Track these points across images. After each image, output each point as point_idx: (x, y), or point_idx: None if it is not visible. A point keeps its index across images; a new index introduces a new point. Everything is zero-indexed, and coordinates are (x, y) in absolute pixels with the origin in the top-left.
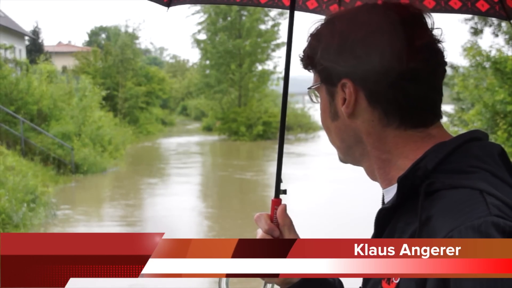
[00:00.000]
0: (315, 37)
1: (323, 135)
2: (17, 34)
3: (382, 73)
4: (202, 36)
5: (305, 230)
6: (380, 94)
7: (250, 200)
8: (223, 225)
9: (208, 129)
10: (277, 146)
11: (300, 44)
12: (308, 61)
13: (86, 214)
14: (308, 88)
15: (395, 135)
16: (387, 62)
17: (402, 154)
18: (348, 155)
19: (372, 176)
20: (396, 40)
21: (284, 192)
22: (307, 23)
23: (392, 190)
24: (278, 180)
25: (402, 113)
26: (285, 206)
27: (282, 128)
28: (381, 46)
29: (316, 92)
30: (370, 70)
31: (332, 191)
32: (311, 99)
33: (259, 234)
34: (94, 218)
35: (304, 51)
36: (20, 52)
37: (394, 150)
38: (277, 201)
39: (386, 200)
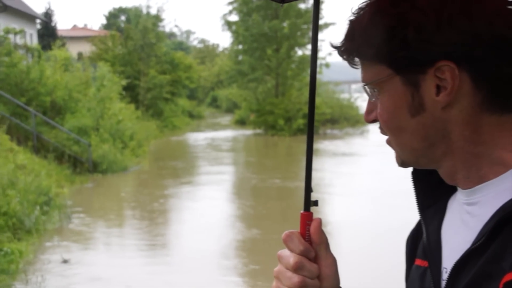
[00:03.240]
0: (382, 22)
1: (373, 129)
2: (28, 17)
3: (490, 47)
4: (234, 18)
5: (347, 251)
6: (488, 72)
7: (293, 206)
8: (263, 241)
9: (241, 123)
10: (320, 142)
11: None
12: (368, 51)
13: (105, 220)
14: (367, 83)
15: (490, 123)
16: (494, 32)
17: (497, 146)
18: (424, 156)
19: (451, 179)
20: (499, 3)
21: (315, 203)
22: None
23: (481, 190)
24: (308, 189)
25: (506, 94)
26: (320, 220)
27: (311, 128)
28: (486, 13)
29: (375, 88)
30: (476, 46)
31: (383, 200)
32: (369, 95)
33: (292, 258)
34: (114, 225)
35: (355, 41)
36: (31, 37)
37: (489, 141)
38: (308, 215)
39: (465, 200)
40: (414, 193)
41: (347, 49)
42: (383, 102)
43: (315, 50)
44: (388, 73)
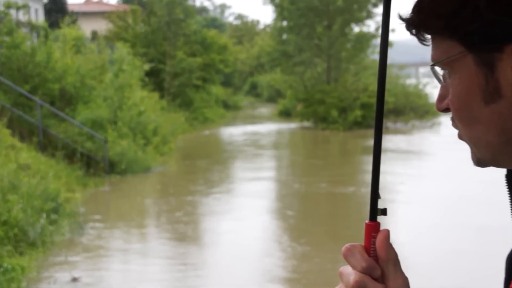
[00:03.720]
0: None
1: (445, 122)
2: None
3: None
4: None
5: (420, 269)
6: None
7: (349, 218)
8: (315, 262)
9: (286, 114)
10: (383, 138)
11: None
12: (436, 23)
13: (124, 231)
14: (436, 63)
15: None
16: None
17: None
18: (503, 153)
19: None
20: None
21: (384, 212)
22: None
23: None
24: (375, 195)
25: None
26: (388, 232)
27: (379, 121)
28: None
29: (445, 68)
30: None
31: (459, 209)
32: (438, 79)
33: (352, 276)
34: (134, 239)
35: (423, 11)
36: (36, 13)
37: None
38: (374, 226)
39: None
40: (510, 200)
41: (415, 21)
42: (454, 87)
43: (386, 21)
44: (459, 50)
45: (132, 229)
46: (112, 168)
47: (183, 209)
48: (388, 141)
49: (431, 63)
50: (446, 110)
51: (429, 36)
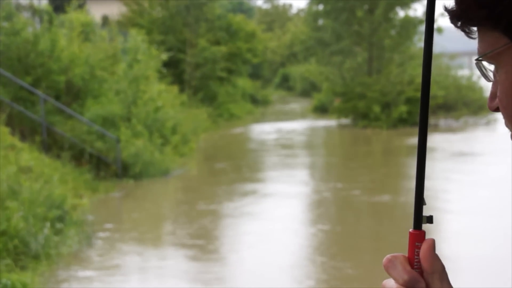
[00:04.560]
0: None
1: (503, 119)
2: None
3: None
4: None
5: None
6: None
7: (393, 232)
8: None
9: (321, 110)
10: (429, 136)
11: None
12: (478, 14)
13: (138, 243)
14: (480, 57)
15: None
16: None
17: None
18: None
19: None
20: None
21: (430, 220)
22: None
23: None
24: (419, 201)
25: None
26: (433, 242)
27: (424, 118)
28: None
29: (491, 62)
30: None
31: None
32: (484, 75)
33: None
34: (150, 252)
35: (464, 1)
36: None
37: None
38: (418, 235)
39: None
40: None
41: (457, 12)
42: (501, 82)
43: (431, 5)
44: (503, 42)
45: (147, 242)
46: (125, 171)
47: (205, 220)
48: (436, 140)
49: (476, 58)
50: (498, 109)
51: (475, 29)
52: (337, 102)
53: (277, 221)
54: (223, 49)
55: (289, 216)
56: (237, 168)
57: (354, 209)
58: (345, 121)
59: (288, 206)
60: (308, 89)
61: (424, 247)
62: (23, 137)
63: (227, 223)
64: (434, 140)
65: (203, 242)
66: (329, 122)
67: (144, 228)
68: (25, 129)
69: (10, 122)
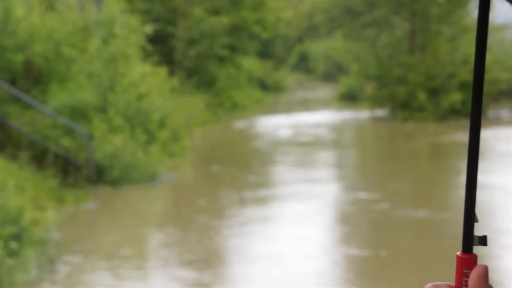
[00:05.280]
0: None
1: None
2: None
3: None
4: None
5: None
6: None
7: (444, 256)
8: None
9: (350, 98)
10: (487, 130)
11: None
12: None
13: (116, 273)
14: None
15: None
16: None
17: None
18: None
19: None
20: None
21: (483, 241)
22: None
23: None
24: (470, 218)
25: None
26: (485, 269)
27: (476, 114)
28: None
29: None
30: None
31: None
32: None
33: None
34: (127, 283)
35: None
36: None
37: None
38: (468, 260)
39: None
40: None
41: None
42: None
43: None
44: None
45: (126, 270)
46: (100, 176)
47: (202, 242)
48: (496, 137)
49: None
50: None
51: None
52: (370, 87)
53: (291, 243)
54: (224, 20)
55: (306, 236)
56: (242, 173)
57: (391, 227)
58: (380, 112)
59: (305, 223)
60: (333, 72)
61: (473, 275)
62: None
63: (228, 246)
64: (493, 137)
65: (198, 273)
66: (359, 114)
67: (124, 251)
68: None
69: None
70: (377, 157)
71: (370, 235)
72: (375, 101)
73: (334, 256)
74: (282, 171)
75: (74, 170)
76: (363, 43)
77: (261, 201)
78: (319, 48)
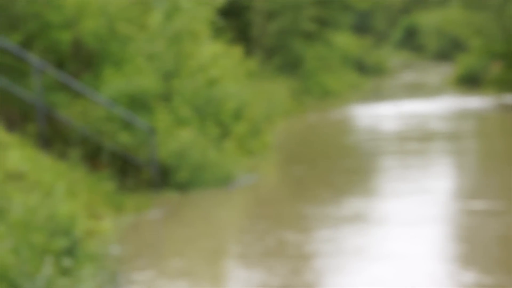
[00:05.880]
0: None
1: None
2: None
3: None
4: None
5: None
6: None
7: None
8: None
9: (470, 82)
10: None
11: None
12: None
13: None
14: None
15: None
16: None
17: None
18: None
19: None
20: None
21: None
22: None
23: None
24: None
25: None
26: None
27: None
28: None
29: None
30: None
31: None
32: None
33: None
34: None
35: None
36: None
37: None
38: None
39: None
40: None
41: None
42: None
43: None
44: None
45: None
46: (164, 178)
47: (290, 261)
48: None
49: None
50: None
51: None
52: (495, 68)
53: (399, 263)
54: None
55: (418, 255)
56: (336, 176)
57: None
58: (509, 98)
59: (416, 239)
60: (448, 49)
61: None
62: (10, 126)
63: (322, 268)
64: None
65: None
66: (482, 101)
67: (197, 269)
68: (12, 114)
69: None
70: (507, 157)
71: (496, 257)
72: (503, 85)
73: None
74: (385, 172)
75: (134, 171)
76: (486, 13)
77: (359, 208)
78: (431, 21)
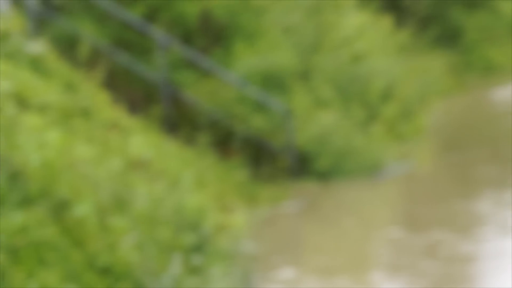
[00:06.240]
0: None
1: None
2: None
3: None
4: None
5: None
6: None
7: None
8: None
9: None
10: None
11: None
12: None
13: None
14: None
15: None
16: None
17: None
18: None
19: None
20: None
21: None
22: None
23: None
24: None
25: None
26: None
27: None
28: None
29: None
30: None
31: None
32: None
33: None
34: None
35: None
36: None
37: None
38: None
39: None
40: None
41: None
42: None
43: None
44: None
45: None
46: (303, 166)
47: (450, 267)
48: None
49: None
50: None
51: None
52: None
53: None
54: None
55: None
56: (507, 168)
57: None
58: None
59: None
60: None
61: None
62: (132, 108)
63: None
64: None
65: None
66: None
67: (343, 268)
68: (134, 95)
69: (110, 83)
70: None
71: None
72: None
73: None
74: None
75: (269, 159)
76: None
77: None
78: None
